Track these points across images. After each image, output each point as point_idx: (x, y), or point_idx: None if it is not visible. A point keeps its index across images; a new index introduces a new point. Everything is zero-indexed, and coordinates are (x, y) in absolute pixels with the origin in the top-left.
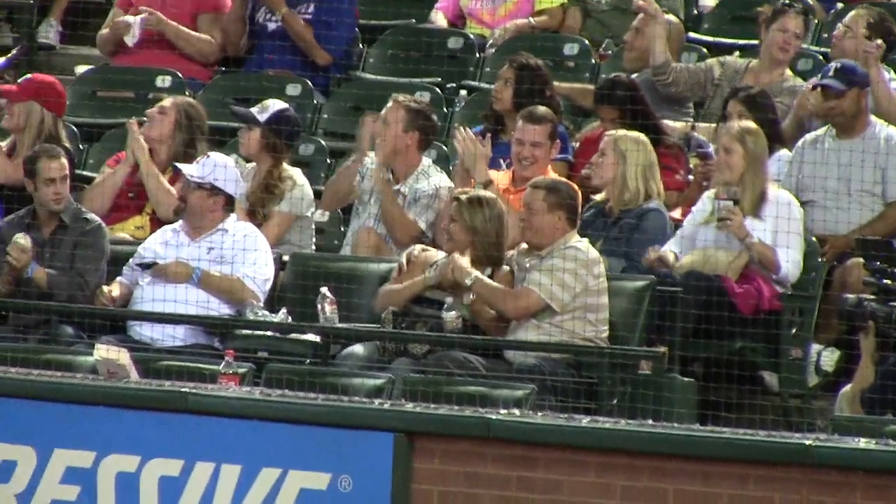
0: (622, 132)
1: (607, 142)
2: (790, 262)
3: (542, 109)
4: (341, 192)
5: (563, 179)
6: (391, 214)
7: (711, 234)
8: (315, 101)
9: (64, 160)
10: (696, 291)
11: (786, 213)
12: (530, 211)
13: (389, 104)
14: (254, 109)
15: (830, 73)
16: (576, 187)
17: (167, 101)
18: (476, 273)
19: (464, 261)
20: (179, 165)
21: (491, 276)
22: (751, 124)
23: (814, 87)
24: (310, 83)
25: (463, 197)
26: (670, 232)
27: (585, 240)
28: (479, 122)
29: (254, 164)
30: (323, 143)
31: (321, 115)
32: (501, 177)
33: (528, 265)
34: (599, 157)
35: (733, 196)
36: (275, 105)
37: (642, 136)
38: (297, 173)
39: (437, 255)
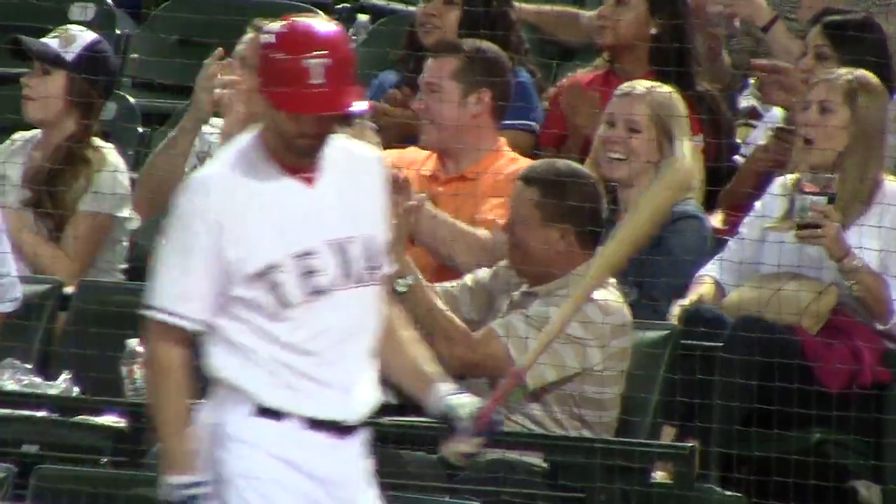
0: (860, 72)
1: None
2: None
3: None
4: (167, 188)
5: (574, 167)
6: None
7: (786, 254)
8: (119, 31)
9: None
10: (748, 349)
11: None
12: (517, 220)
13: (248, 36)
14: (53, 43)
15: None
16: (596, 180)
17: None
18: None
19: None
20: None
21: None
22: (868, 77)
23: None
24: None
25: None
26: (709, 250)
27: (614, 284)
28: (391, 66)
29: (35, 131)
30: (132, 100)
31: (129, 56)
32: (425, 159)
33: (514, 299)
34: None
35: (826, 187)
36: (83, 36)
37: None
38: (109, 150)
39: None
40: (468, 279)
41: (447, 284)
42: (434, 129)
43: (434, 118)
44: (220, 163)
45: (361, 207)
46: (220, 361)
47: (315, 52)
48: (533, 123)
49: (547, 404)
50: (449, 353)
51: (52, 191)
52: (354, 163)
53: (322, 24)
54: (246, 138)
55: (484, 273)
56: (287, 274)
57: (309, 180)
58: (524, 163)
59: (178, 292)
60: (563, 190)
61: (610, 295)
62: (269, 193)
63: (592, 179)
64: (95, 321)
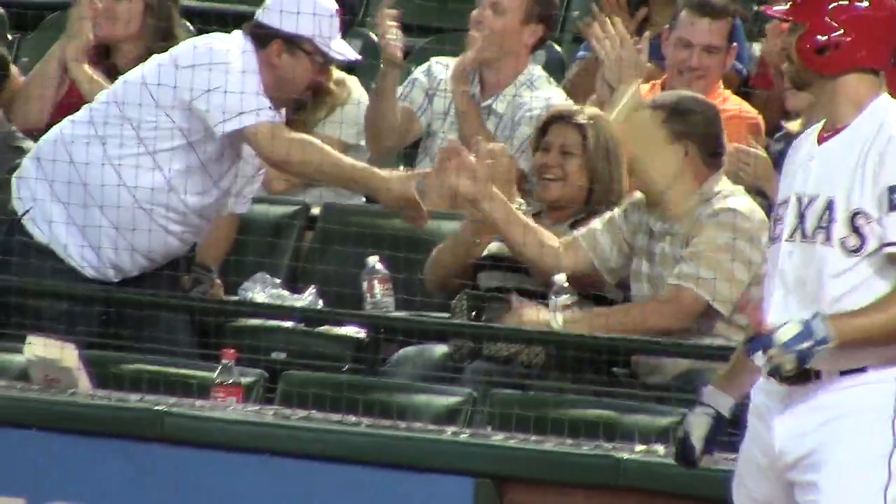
0: None
1: None
2: None
3: None
4: (390, 127)
5: (697, 96)
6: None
7: None
8: None
9: None
10: None
11: None
12: (642, 143)
13: None
14: None
15: None
16: (716, 110)
17: None
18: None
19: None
20: None
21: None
22: None
23: None
24: None
25: (582, 118)
26: None
27: (741, 192)
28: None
29: None
30: (374, 37)
31: None
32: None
33: (656, 232)
34: None
35: None
36: None
37: None
38: (353, 82)
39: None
40: (599, 223)
41: (583, 230)
42: (704, 84)
43: (708, 75)
44: None
45: (842, 172)
46: None
47: None
48: (740, 65)
49: (733, 327)
50: (643, 327)
51: (295, 119)
52: (871, 132)
53: None
54: None
55: (613, 214)
56: (769, 222)
57: (823, 139)
58: (734, 101)
59: None
60: (686, 112)
61: (744, 201)
62: (797, 153)
63: (715, 108)
64: (339, 240)
